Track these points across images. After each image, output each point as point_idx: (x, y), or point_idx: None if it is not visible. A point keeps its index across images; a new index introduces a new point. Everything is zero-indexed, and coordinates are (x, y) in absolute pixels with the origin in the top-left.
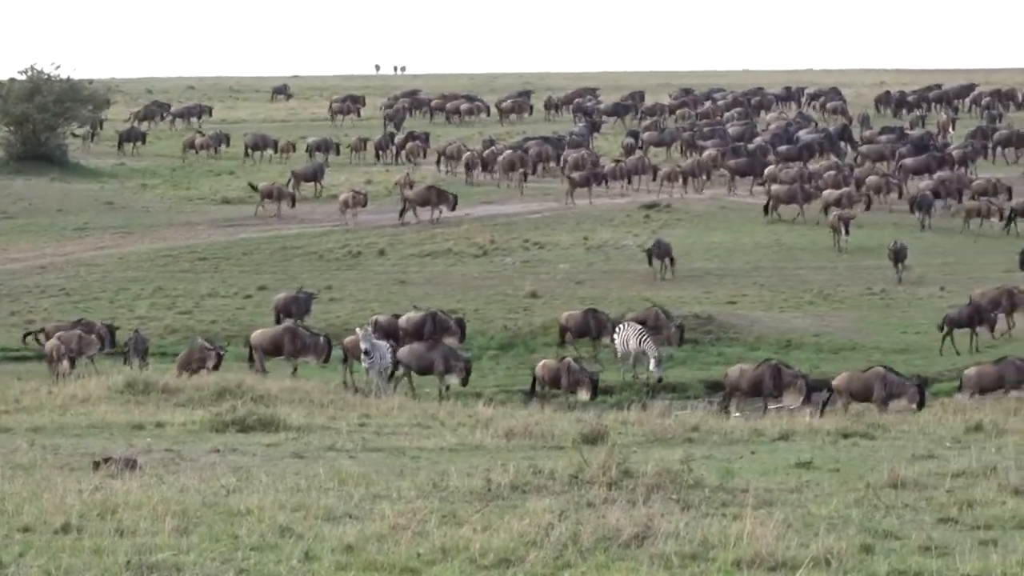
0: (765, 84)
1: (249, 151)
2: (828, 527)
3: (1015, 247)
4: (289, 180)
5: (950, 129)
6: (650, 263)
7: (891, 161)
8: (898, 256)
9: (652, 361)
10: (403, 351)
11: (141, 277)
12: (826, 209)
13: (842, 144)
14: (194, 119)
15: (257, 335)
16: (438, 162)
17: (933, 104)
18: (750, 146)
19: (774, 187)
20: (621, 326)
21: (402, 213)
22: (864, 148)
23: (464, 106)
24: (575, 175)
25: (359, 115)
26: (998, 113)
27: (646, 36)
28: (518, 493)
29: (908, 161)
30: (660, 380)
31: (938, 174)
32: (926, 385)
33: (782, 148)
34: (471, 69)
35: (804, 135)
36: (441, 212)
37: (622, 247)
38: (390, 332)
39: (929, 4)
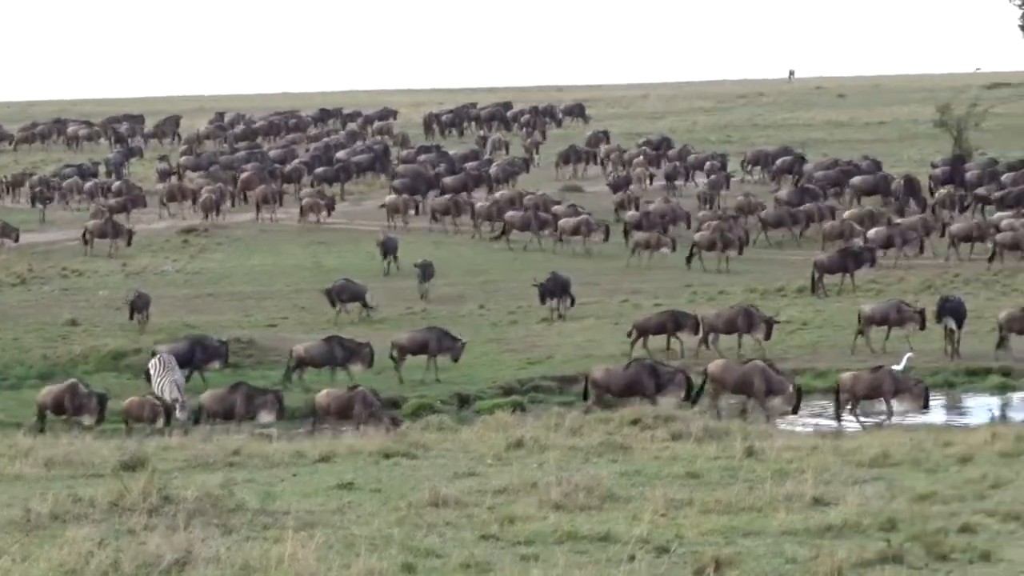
0: (302, 107)
1: None
2: (370, 547)
3: (552, 264)
4: None
5: (534, 152)
6: (131, 317)
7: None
8: (425, 273)
9: (178, 408)
10: (204, 396)
11: None
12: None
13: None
14: None
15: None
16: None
17: (472, 122)
18: (287, 168)
19: (698, 236)
20: (156, 360)
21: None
22: (401, 168)
23: (83, 131)
24: (112, 202)
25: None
26: (541, 130)
27: (181, 60)
28: (58, 522)
29: (447, 180)
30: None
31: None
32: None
33: (320, 170)
34: (6, 97)
35: (343, 156)
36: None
37: (161, 272)
38: None
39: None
